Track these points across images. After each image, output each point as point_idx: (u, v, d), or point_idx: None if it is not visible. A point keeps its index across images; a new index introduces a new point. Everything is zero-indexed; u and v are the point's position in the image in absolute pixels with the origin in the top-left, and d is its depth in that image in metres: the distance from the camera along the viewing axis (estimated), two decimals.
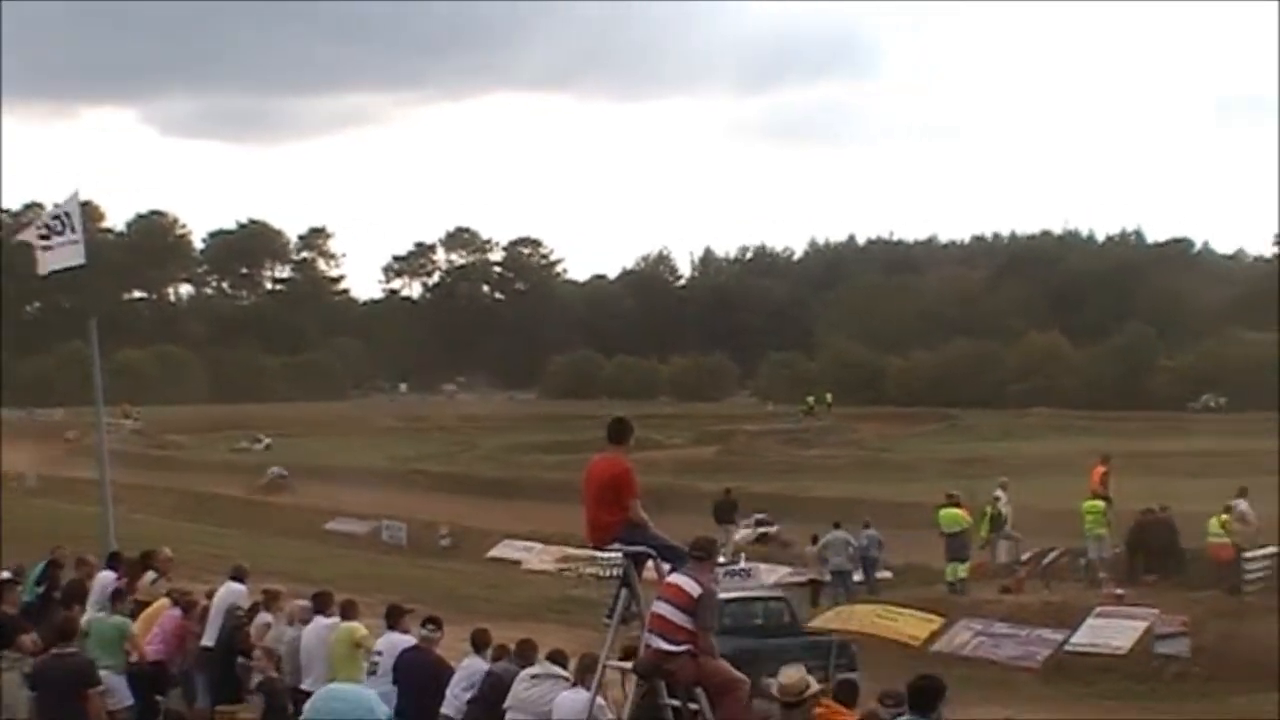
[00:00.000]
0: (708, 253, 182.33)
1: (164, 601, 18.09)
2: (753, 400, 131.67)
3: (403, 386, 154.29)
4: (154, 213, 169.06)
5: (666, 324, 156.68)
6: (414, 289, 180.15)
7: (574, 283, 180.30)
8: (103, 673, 14.00)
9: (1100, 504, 33.46)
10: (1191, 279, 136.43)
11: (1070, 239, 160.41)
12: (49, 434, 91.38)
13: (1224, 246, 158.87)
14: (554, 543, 46.12)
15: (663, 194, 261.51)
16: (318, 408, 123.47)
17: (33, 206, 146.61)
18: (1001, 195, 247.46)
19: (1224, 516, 32.86)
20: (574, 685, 12.95)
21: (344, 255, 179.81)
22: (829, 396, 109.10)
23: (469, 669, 14.86)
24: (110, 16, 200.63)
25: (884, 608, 32.19)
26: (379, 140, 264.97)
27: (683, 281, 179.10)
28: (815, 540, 36.77)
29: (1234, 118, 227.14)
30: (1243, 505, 32.48)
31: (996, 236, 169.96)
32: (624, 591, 11.84)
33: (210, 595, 18.30)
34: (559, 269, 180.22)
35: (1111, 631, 28.71)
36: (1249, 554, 31.69)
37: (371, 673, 15.11)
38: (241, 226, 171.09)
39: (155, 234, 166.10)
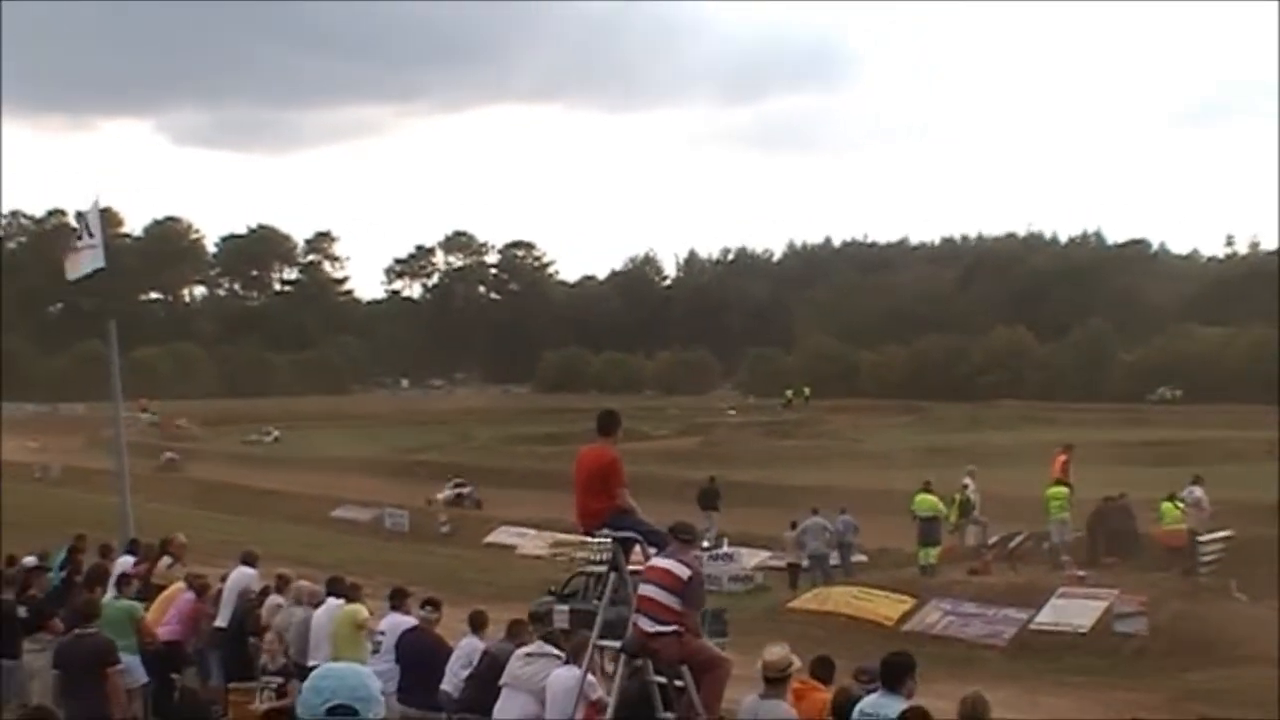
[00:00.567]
0: (691, 254, 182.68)
1: (179, 585, 18.11)
2: (734, 394, 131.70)
3: (404, 382, 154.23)
4: (169, 218, 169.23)
5: (652, 322, 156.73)
6: (414, 290, 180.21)
7: (565, 283, 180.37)
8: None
9: (1063, 490, 33.55)
10: (1149, 278, 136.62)
11: (1034, 240, 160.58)
12: (72, 428, 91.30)
13: (1179, 247, 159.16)
14: (547, 529, 46.13)
15: (648, 199, 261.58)
16: (323, 401, 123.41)
17: (55, 213, 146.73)
18: (969, 199, 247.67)
19: (1177, 502, 33.05)
20: (566, 663, 12.97)
21: (348, 258, 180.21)
22: (807, 390, 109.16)
23: (467, 648, 14.88)
24: (125, 33, 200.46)
25: (859, 590, 32.23)
26: (381, 149, 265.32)
27: (668, 282, 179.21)
28: (794, 526, 36.83)
29: (1188, 124, 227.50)
30: (1198, 492, 32.58)
31: (964, 238, 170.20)
32: (612, 575, 11.90)
33: (223, 579, 18.32)
34: (551, 270, 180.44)
35: (1073, 611, 28.79)
36: (1203, 537, 31.81)
37: (375, 652, 15.17)
38: (251, 231, 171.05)
39: (170, 238, 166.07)
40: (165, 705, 16.38)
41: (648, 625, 11.08)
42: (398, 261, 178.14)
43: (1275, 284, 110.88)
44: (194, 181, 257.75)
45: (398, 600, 16.05)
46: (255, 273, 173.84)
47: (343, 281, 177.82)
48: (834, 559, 35.96)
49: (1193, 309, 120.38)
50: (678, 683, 11.20)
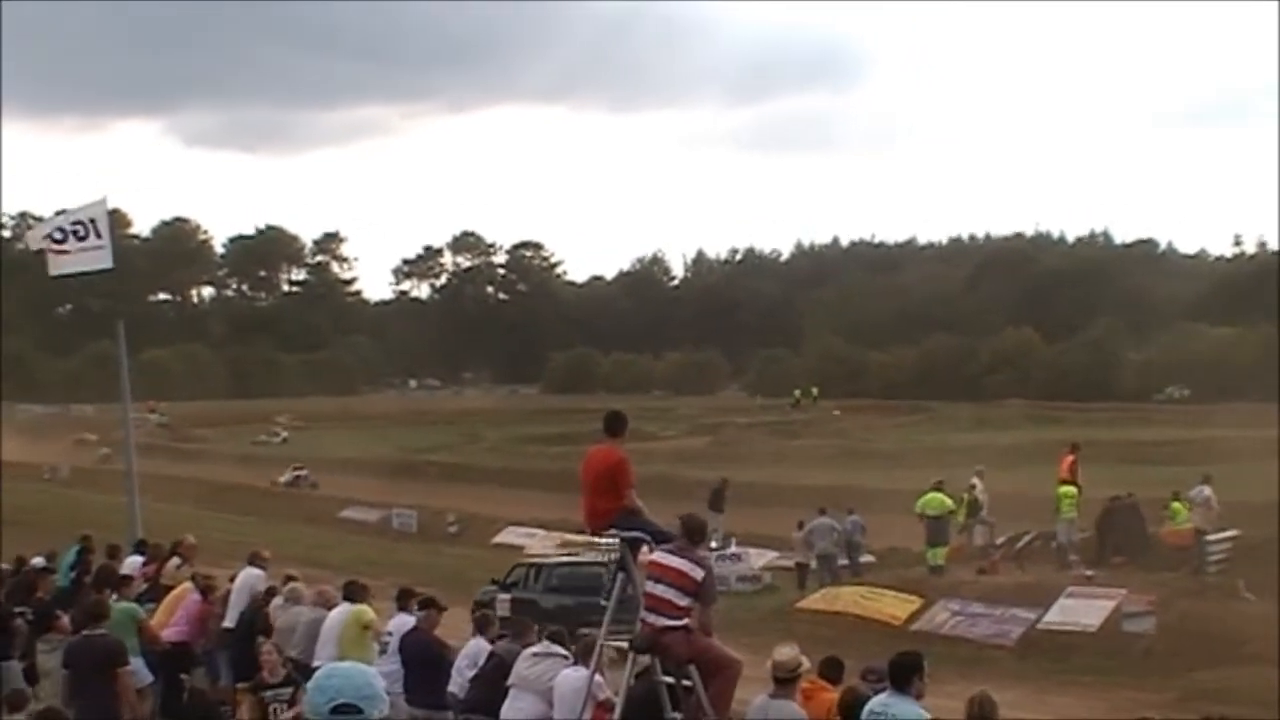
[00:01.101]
0: (699, 254, 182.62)
1: (187, 585, 18.13)
2: (743, 394, 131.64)
3: (413, 383, 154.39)
4: (177, 219, 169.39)
5: (661, 322, 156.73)
6: (422, 290, 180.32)
7: (573, 284, 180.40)
8: None
9: (1071, 490, 33.50)
10: (1156, 277, 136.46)
11: (1042, 240, 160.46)
12: (81, 429, 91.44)
13: (1187, 247, 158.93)
14: (555, 529, 46.12)
15: (656, 199, 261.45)
16: (332, 402, 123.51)
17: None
18: (977, 199, 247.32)
19: (1185, 501, 33.03)
20: (574, 663, 12.97)
21: (356, 259, 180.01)
22: (815, 390, 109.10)
23: (473, 649, 14.90)
24: (135, 34, 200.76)
25: (867, 589, 32.22)
26: (389, 150, 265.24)
27: (676, 282, 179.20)
28: (801, 526, 36.80)
29: (1195, 123, 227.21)
30: (1206, 491, 32.51)
31: (972, 238, 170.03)
32: (620, 574, 11.90)
33: (232, 579, 18.33)
34: (559, 271, 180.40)
35: (1082, 611, 28.76)
36: (1211, 537, 31.76)
37: (382, 652, 15.17)
38: (260, 232, 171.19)
39: (179, 239, 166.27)
40: (174, 706, 16.38)
41: (657, 621, 11.07)
42: (406, 262, 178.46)
43: (1272, 285, 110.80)
44: (203, 182, 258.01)
45: (405, 601, 16.07)
46: (263, 273, 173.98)
47: (351, 282, 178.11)
48: (842, 559, 35.92)
49: (1200, 308, 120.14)
50: (685, 683, 11.20)
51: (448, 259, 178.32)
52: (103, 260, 22.74)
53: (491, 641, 14.98)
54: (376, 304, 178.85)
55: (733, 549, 38.26)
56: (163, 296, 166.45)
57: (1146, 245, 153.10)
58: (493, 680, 13.94)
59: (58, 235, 22.62)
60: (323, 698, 4.55)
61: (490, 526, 50.68)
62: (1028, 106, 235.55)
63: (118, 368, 25.44)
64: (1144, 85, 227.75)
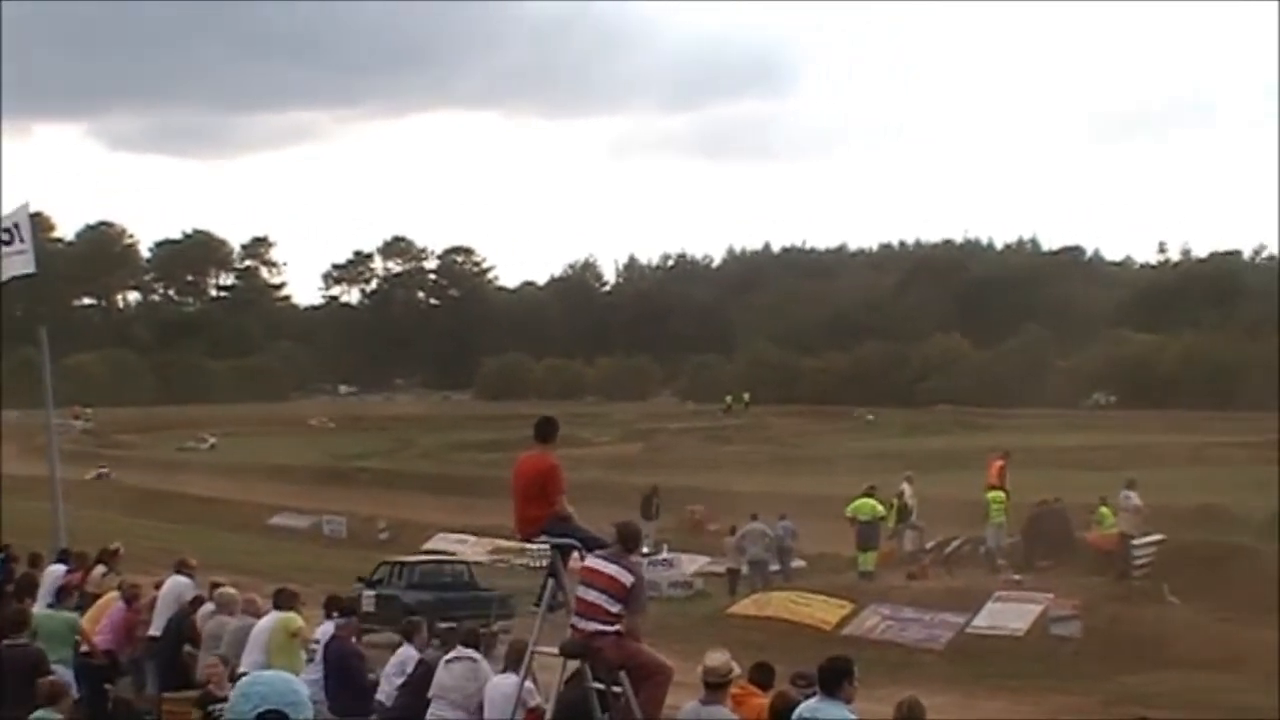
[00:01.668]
0: (632, 260, 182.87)
1: (113, 594, 17.93)
2: (675, 400, 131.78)
3: (343, 388, 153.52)
4: (102, 223, 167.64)
5: (593, 328, 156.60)
6: (353, 295, 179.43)
7: (505, 289, 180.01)
8: (53, 666, 13.83)
9: (1000, 495, 33.75)
10: (1083, 284, 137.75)
11: (971, 247, 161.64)
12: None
13: (1113, 254, 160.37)
14: (487, 535, 45.97)
15: (589, 205, 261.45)
16: (262, 408, 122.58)
17: None
18: (907, 206, 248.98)
19: (1112, 506, 33.32)
20: (504, 670, 12.93)
21: (286, 264, 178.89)
22: (746, 396, 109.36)
23: (401, 657, 14.82)
24: (58, 35, 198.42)
25: (798, 594, 32.33)
26: (320, 154, 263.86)
27: (608, 288, 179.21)
28: (734, 531, 36.89)
29: (1120, 132, 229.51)
30: (1133, 496, 32.82)
31: (903, 245, 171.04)
32: (550, 581, 11.87)
33: (158, 587, 18.13)
34: (491, 276, 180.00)
35: (1010, 615, 28.98)
36: (1137, 542, 32.06)
37: (310, 660, 15.05)
38: (187, 236, 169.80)
39: (103, 244, 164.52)
40: (99, 716, 16.18)
41: (587, 626, 11.05)
42: (336, 267, 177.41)
43: (1206, 290, 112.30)
44: (128, 187, 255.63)
45: (333, 609, 15.97)
46: (191, 278, 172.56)
47: (280, 287, 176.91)
48: (773, 564, 36.03)
49: (1126, 315, 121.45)
50: (615, 689, 11.17)
51: (378, 264, 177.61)
52: (25, 265, 22.44)
53: (420, 649, 14.90)
54: (306, 309, 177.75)
55: (664, 555, 38.28)
56: (87, 301, 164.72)
57: (1073, 253, 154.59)
58: (419, 689, 13.87)
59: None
60: (247, 704, 4.49)
61: (421, 533, 50.41)
62: (958, 115, 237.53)
63: (40, 373, 25.12)
64: (1072, 95, 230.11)
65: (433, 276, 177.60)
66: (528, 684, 12.31)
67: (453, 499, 57.46)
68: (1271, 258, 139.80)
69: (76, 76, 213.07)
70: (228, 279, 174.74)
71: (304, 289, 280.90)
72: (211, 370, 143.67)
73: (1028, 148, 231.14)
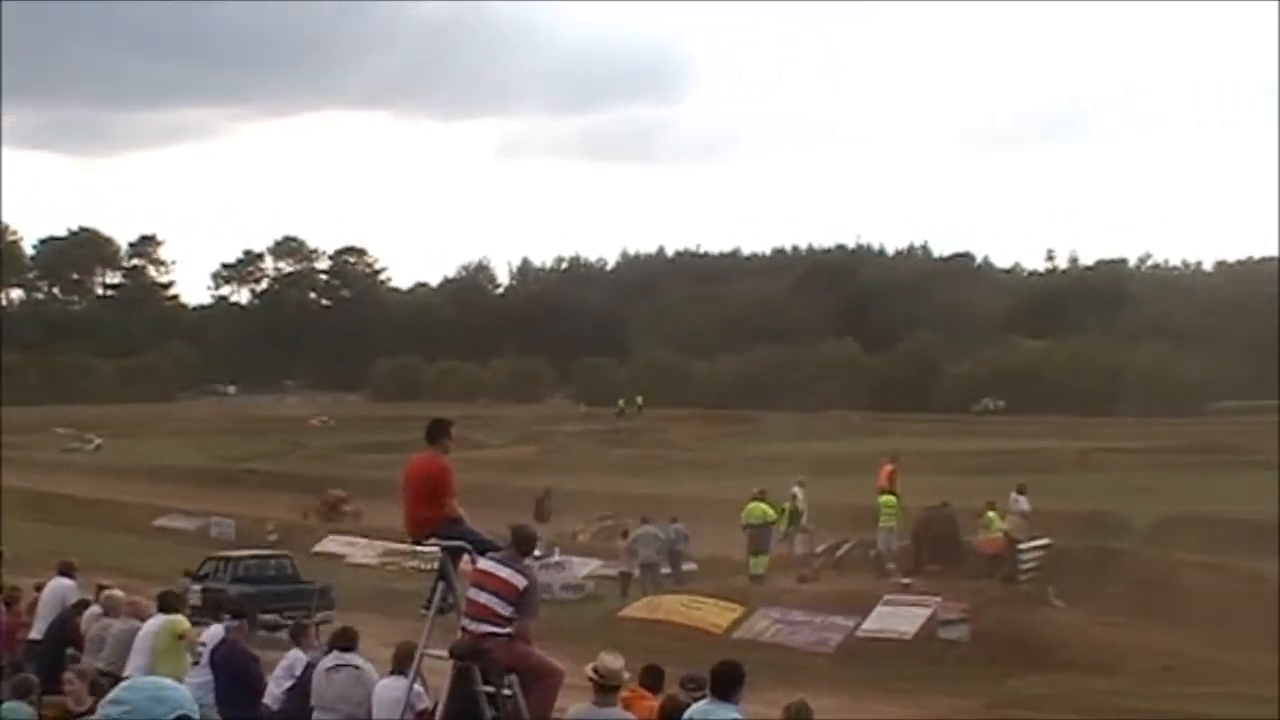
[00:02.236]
0: (525, 263, 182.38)
1: None
2: (569, 403, 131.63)
3: (231, 389, 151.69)
4: None
5: (487, 330, 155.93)
6: (243, 295, 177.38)
7: (398, 290, 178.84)
8: None
9: (891, 499, 34.04)
10: (973, 290, 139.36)
11: (863, 252, 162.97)
12: None
13: (1002, 261, 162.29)
14: (378, 538, 45.69)
15: (483, 207, 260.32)
16: (149, 409, 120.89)
17: None
18: (800, 211, 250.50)
19: (1000, 511, 33.74)
20: (392, 674, 12.85)
21: (174, 262, 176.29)
22: (640, 399, 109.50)
23: (290, 660, 14.69)
24: None
25: (689, 598, 32.42)
26: (210, 153, 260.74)
27: (502, 290, 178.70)
28: (626, 535, 36.93)
29: (1012, 139, 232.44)
30: (1022, 500, 33.25)
31: (796, 249, 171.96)
32: (440, 583, 11.83)
33: (39, 589, 17.83)
34: (383, 277, 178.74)
35: (899, 618, 29.24)
36: (1023, 546, 32.50)
37: (195, 663, 14.87)
38: (72, 234, 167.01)
39: None
40: None
41: (478, 628, 11.03)
42: (225, 266, 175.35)
43: (1093, 297, 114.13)
44: (12, 183, 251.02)
45: (162, 605, 15.76)
46: (76, 277, 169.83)
47: (169, 286, 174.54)
48: (665, 568, 36.12)
49: (1015, 321, 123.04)
50: (506, 691, 11.15)
51: (269, 264, 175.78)
52: None
53: (308, 652, 14.78)
54: (195, 309, 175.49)
55: (557, 557, 38.25)
56: None
57: (964, 259, 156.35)
58: (308, 693, 13.76)
59: None
60: (115, 710, 4.39)
61: (311, 535, 50.03)
62: (850, 120, 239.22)
63: None
64: (965, 102, 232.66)
65: (324, 277, 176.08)
66: (417, 687, 12.25)
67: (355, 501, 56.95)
68: (1156, 266, 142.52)
69: None
70: (115, 278, 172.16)
71: (193, 288, 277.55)
72: (97, 370, 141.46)
73: (920, 154, 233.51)
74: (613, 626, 30.31)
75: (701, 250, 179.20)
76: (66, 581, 17.72)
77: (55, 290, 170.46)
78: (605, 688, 11.02)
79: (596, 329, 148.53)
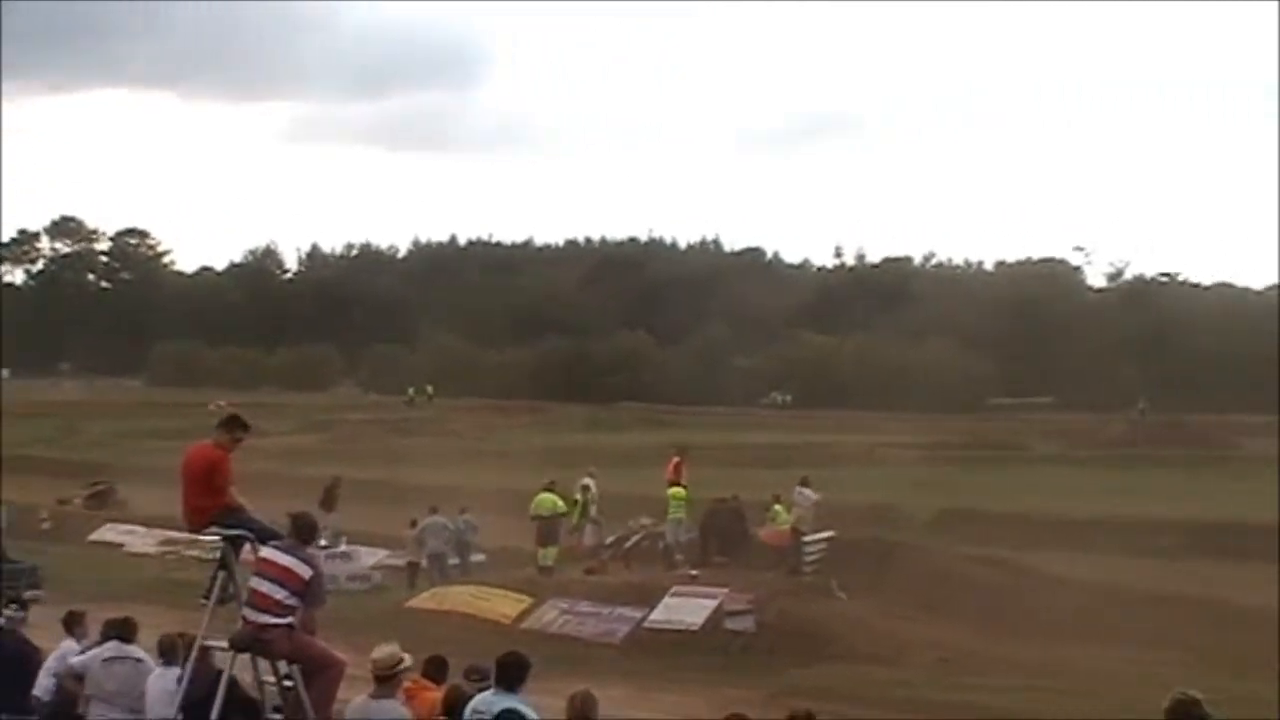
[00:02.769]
0: (314, 248, 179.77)
1: None
2: (357, 391, 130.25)
3: (5, 372, 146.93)
4: None
5: (273, 316, 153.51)
6: (17, 276, 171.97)
7: (182, 274, 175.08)
8: None
9: (681, 491, 34.33)
10: (763, 285, 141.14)
11: (655, 245, 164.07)
12: None
13: (792, 256, 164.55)
14: (156, 526, 44.66)
15: (271, 191, 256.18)
16: None
17: None
18: (593, 202, 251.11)
19: (786, 503, 34.27)
20: (165, 664, 12.58)
21: None
22: (430, 388, 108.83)
23: (63, 651, 14.27)
24: None
25: (478, 588, 32.33)
26: None
27: (289, 276, 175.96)
28: (414, 525, 36.66)
29: (803, 135, 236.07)
30: (807, 493, 33.77)
31: (588, 241, 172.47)
32: (221, 573, 11.62)
33: None
34: (166, 260, 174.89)
35: (686, 609, 29.52)
36: (808, 538, 33.03)
37: None
38: None
39: None
40: None
41: (259, 618, 10.85)
42: None
43: (877, 294, 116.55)
44: None
45: None
46: None
47: None
48: (453, 558, 35.97)
49: (804, 316, 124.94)
50: (287, 682, 10.99)
51: (45, 244, 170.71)
52: None
53: (80, 641, 14.38)
54: None
55: (343, 547, 37.79)
56: None
57: (754, 254, 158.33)
58: (79, 682, 13.38)
59: None
60: None
61: (88, 523, 48.71)
62: (645, 113, 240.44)
63: None
64: (757, 96, 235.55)
65: (104, 258, 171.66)
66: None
67: (121, 488, 55.56)
68: (940, 265, 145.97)
69: None
70: None
71: None
72: None
73: (712, 148, 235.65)
74: (399, 617, 30.04)
75: (494, 239, 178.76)
76: None
77: None
78: (383, 679, 10.93)
79: (386, 317, 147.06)
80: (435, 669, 12.31)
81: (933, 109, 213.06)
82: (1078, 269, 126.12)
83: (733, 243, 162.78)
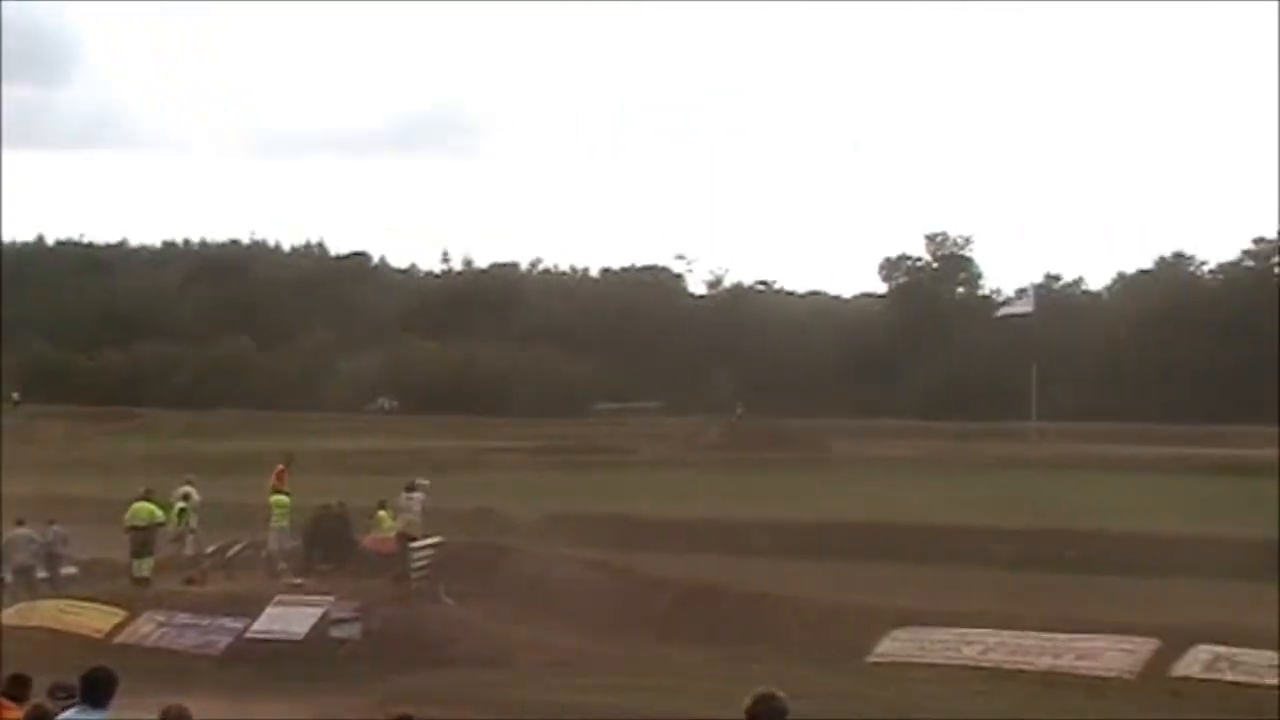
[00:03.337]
0: None
1: None
2: None
3: None
4: None
5: None
6: None
7: None
8: None
9: (283, 499, 33.75)
10: (369, 290, 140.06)
11: (257, 248, 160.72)
12: None
13: (399, 261, 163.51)
14: None
15: None
16: None
17: None
18: (192, 203, 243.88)
19: (391, 510, 34.11)
20: None
21: None
22: (16, 395, 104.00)
23: None
24: None
25: (68, 603, 31.21)
26: None
27: None
28: None
29: (405, 141, 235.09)
30: (413, 499, 33.62)
31: (187, 243, 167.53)
32: None
33: None
34: None
35: (289, 618, 29.12)
36: (415, 544, 32.94)
37: None
38: None
39: None
40: None
41: None
42: None
43: (484, 299, 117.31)
44: None
45: None
46: None
47: None
48: (41, 571, 34.48)
49: (410, 321, 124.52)
50: None
51: None
52: None
53: None
54: None
55: None
56: None
57: (360, 258, 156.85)
58: None
59: None
60: None
61: None
62: (245, 111, 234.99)
63: None
64: (360, 99, 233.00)
65: None
66: None
67: None
68: (547, 271, 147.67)
69: None
70: None
71: None
72: None
73: (315, 149, 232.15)
74: None
75: (85, 240, 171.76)
76: None
77: None
78: None
79: None
80: (17, 687, 11.74)
81: (543, 115, 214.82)
82: (679, 276, 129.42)
83: (338, 247, 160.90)
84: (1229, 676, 24.88)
